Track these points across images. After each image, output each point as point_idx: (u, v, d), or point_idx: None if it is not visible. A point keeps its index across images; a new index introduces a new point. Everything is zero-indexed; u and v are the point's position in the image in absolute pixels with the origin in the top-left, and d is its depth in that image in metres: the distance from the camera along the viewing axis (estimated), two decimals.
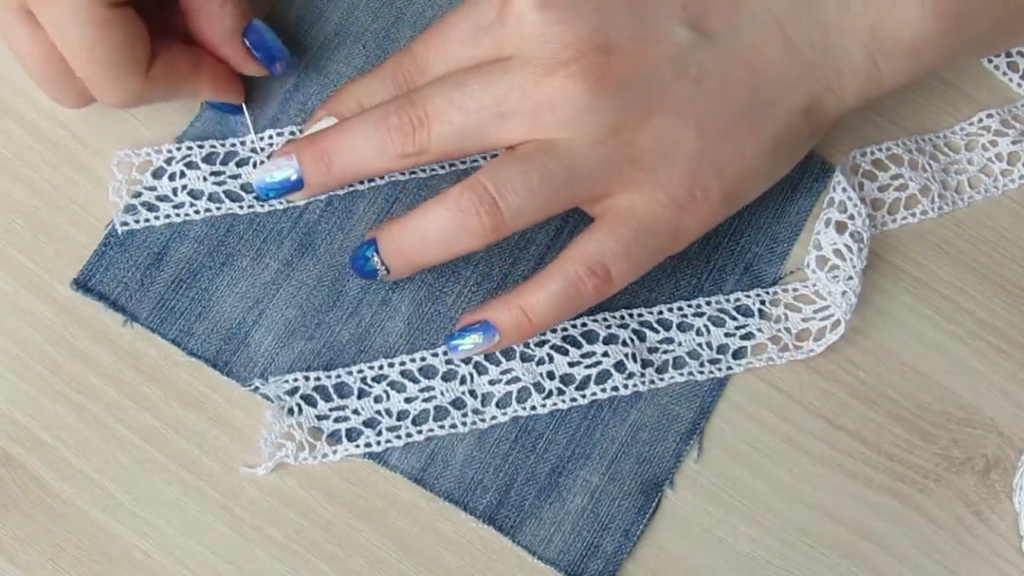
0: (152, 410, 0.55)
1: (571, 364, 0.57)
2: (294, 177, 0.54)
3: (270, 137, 0.58)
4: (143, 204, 0.57)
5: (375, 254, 0.54)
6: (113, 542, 0.54)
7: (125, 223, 0.57)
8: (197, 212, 0.57)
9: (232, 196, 0.58)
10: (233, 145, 0.58)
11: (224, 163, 0.58)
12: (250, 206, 0.58)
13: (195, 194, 0.57)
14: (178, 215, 0.57)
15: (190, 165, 0.58)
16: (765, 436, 0.57)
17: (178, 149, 0.58)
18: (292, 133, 0.59)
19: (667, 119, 0.52)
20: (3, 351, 0.55)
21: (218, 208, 0.57)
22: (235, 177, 0.58)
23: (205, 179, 0.57)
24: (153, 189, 0.57)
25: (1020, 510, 0.56)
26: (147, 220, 0.57)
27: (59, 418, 0.54)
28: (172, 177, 0.57)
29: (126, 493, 0.54)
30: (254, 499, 0.54)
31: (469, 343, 0.54)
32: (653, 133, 0.52)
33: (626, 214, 0.52)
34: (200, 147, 0.58)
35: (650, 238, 0.53)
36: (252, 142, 0.58)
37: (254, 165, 0.58)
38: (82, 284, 0.56)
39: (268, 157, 0.57)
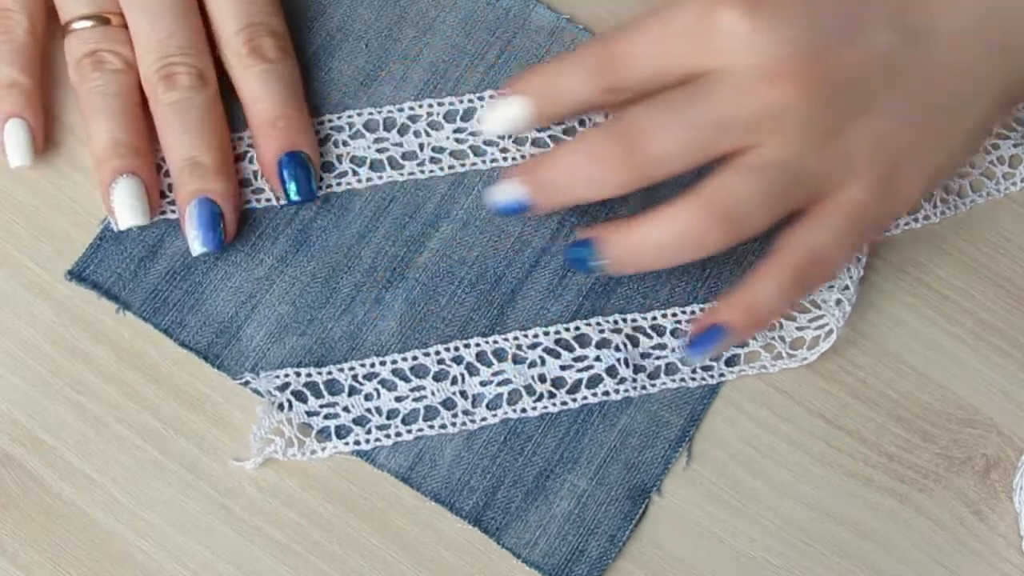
0: (152, 410, 0.55)
1: (563, 367, 0.57)
2: (518, 202, 0.55)
3: None
4: None
5: (594, 254, 0.55)
6: (113, 542, 0.54)
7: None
8: None
9: None
10: (231, 140, 0.58)
11: None
12: (246, 201, 0.58)
13: None
14: (174, 211, 0.57)
15: None
16: (765, 436, 0.57)
17: None
18: None
19: (877, 120, 0.53)
20: (3, 351, 0.55)
21: None
22: None
23: None
24: None
25: (1020, 510, 0.56)
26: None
27: (59, 418, 0.55)
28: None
29: (126, 493, 0.54)
30: (254, 499, 0.54)
31: (706, 350, 0.55)
32: (864, 134, 0.53)
33: (837, 207, 0.53)
34: None
35: (859, 229, 0.54)
36: (249, 136, 0.58)
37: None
38: (76, 275, 0.56)
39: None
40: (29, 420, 0.55)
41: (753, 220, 0.52)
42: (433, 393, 0.56)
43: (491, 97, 0.60)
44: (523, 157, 0.59)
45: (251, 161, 0.58)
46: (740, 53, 0.51)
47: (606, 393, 0.57)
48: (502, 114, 0.56)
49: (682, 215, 0.52)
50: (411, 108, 0.60)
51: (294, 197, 0.57)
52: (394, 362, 0.56)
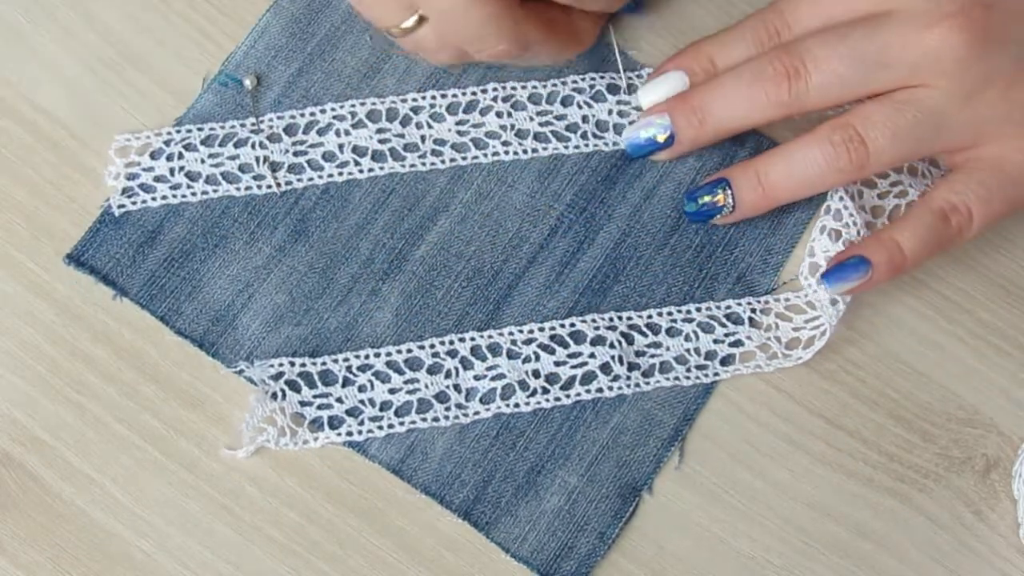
0: (152, 410, 0.55)
1: (557, 363, 0.57)
2: (662, 138, 0.57)
3: (270, 120, 0.59)
4: (140, 186, 0.58)
5: (726, 190, 0.57)
6: (113, 542, 0.54)
7: (122, 205, 0.57)
8: (194, 194, 0.58)
9: (229, 178, 0.58)
10: (232, 127, 0.59)
11: (222, 145, 0.59)
12: (247, 188, 0.58)
13: (192, 176, 0.58)
14: (175, 196, 0.58)
15: (188, 147, 0.58)
16: (765, 436, 0.57)
17: (177, 132, 0.58)
18: (292, 117, 0.59)
19: None
20: (3, 351, 0.55)
21: (215, 190, 0.58)
22: (233, 158, 0.58)
23: (203, 161, 0.58)
24: (151, 170, 0.58)
25: (1019, 497, 0.56)
26: (144, 201, 0.58)
27: (59, 418, 0.55)
28: (170, 158, 0.58)
29: (126, 493, 0.54)
30: (254, 499, 0.55)
31: (845, 279, 0.55)
32: (1022, 94, 0.53)
33: (990, 163, 0.55)
34: (200, 130, 0.59)
35: (1011, 188, 0.55)
36: (252, 124, 0.59)
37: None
38: (75, 259, 0.56)
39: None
40: (29, 420, 0.55)
41: (884, 150, 0.54)
42: (427, 386, 0.56)
43: (650, 71, 0.60)
44: (524, 151, 0.59)
45: (253, 147, 0.58)
46: None
47: (600, 390, 0.56)
48: (665, 91, 0.58)
49: (817, 137, 0.54)
50: (414, 99, 0.60)
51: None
52: (388, 354, 0.56)
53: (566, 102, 0.60)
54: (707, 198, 0.57)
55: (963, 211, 0.55)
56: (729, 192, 0.57)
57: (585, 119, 0.60)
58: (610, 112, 0.60)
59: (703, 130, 0.56)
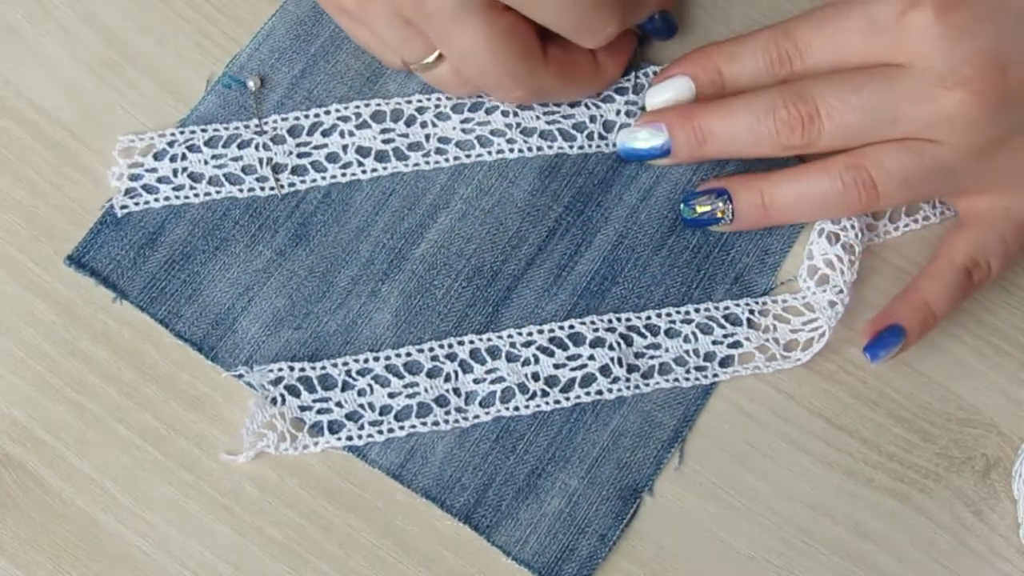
0: (152, 410, 0.55)
1: (556, 366, 0.57)
2: (662, 147, 0.57)
3: (274, 122, 0.59)
4: (143, 187, 0.58)
5: (726, 202, 0.57)
6: (113, 542, 0.54)
7: (125, 206, 0.57)
8: (197, 195, 0.58)
9: (232, 179, 0.58)
10: (236, 128, 0.59)
11: (226, 146, 0.59)
12: (250, 189, 0.58)
13: (195, 177, 0.58)
14: (177, 197, 0.58)
15: (192, 148, 0.58)
16: (765, 436, 0.57)
17: (181, 133, 0.58)
18: (296, 119, 0.59)
19: None
20: (3, 351, 0.55)
21: (218, 191, 0.58)
22: (236, 159, 0.58)
23: (206, 162, 0.58)
24: (154, 171, 0.58)
25: (1019, 497, 0.56)
26: (146, 203, 0.58)
27: (59, 418, 0.55)
28: (173, 159, 0.58)
29: (126, 493, 0.54)
30: (254, 499, 0.54)
31: (888, 352, 0.56)
32: None
33: (1001, 214, 0.56)
34: (203, 131, 0.59)
35: (1019, 237, 0.56)
36: (256, 125, 0.59)
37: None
38: (75, 260, 0.56)
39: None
40: (29, 420, 0.55)
41: (892, 195, 0.55)
42: (426, 390, 0.56)
43: (655, 74, 0.60)
44: (529, 149, 0.59)
45: (257, 148, 0.58)
46: (928, 54, 0.52)
47: (599, 392, 0.56)
48: (670, 96, 0.58)
49: (828, 171, 0.55)
50: (419, 100, 0.60)
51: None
52: (388, 358, 0.56)
53: (574, 103, 0.60)
54: (706, 208, 0.57)
55: (984, 266, 0.56)
56: (729, 206, 0.57)
57: (593, 119, 0.60)
58: (618, 112, 0.60)
59: (702, 150, 0.56)
